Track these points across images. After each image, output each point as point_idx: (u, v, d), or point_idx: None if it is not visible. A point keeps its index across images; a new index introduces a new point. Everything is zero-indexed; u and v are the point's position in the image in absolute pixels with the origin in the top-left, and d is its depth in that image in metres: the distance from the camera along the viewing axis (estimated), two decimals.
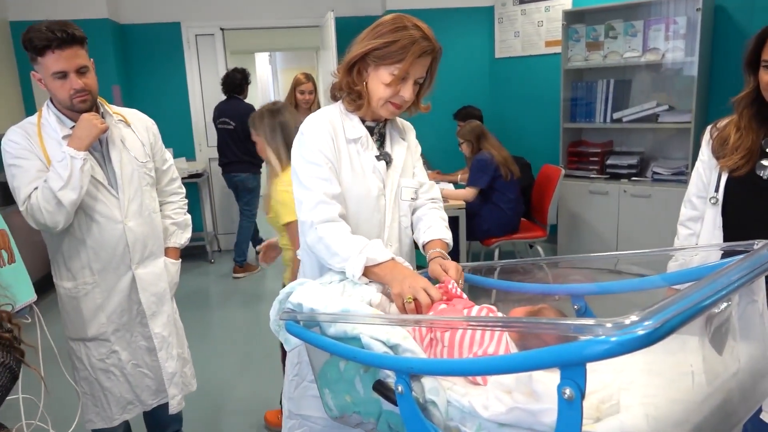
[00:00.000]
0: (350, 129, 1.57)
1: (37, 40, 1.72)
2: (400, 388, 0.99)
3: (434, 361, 1.10)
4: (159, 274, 2.08)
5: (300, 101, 4.26)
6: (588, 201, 4.60)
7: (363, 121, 1.59)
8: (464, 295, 1.34)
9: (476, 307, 1.25)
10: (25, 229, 1.88)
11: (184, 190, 2.30)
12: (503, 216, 4.02)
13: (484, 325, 1.07)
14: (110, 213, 1.93)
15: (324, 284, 1.41)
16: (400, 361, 1.04)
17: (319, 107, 4.17)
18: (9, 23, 5.06)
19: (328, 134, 1.52)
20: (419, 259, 1.67)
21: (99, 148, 1.93)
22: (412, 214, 1.67)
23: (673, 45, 4.15)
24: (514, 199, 4.02)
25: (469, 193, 3.97)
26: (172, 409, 2.13)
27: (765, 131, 1.61)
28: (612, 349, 0.66)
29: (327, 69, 5.59)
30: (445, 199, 3.74)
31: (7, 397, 1.06)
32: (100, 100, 1.95)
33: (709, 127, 1.75)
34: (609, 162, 4.57)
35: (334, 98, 1.62)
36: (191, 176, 5.26)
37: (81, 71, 1.80)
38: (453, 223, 1.69)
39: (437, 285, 1.36)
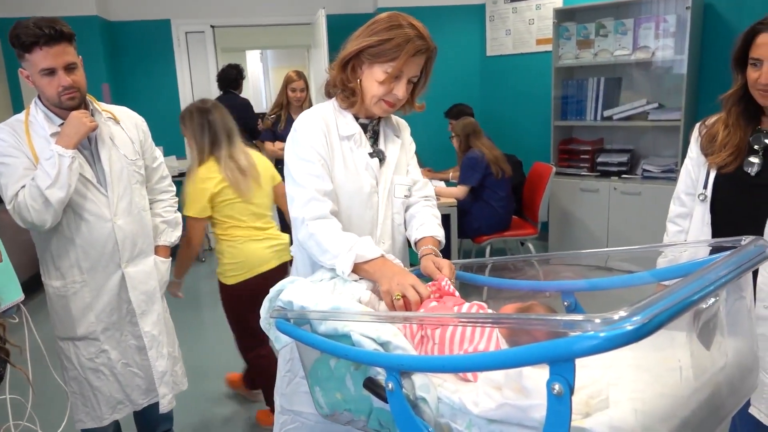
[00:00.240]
0: (344, 126, 1.56)
1: (25, 36, 1.71)
2: (390, 386, 0.99)
3: (424, 358, 1.11)
4: (149, 272, 2.07)
5: (291, 99, 4.25)
6: (579, 198, 4.62)
7: (357, 118, 1.59)
8: (456, 293, 1.34)
9: (467, 304, 1.25)
10: (12, 227, 1.86)
11: (174, 188, 2.29)
12: (494, 214, 4.02)
13: (475, 321, 1.08)
14: (99, 211, 1.91)
15: (314, 282, 1.41)
16: (391, 358, 1.04)
17: (310, 105, 4.17)
18: None
19: (321, 131, 1.52)
20: (412, 256, 1.67)
21: (88, 145, 1.91)
22: (405, 211, 1.67)
23: (663, 43, 4.17)
24: (504, 197, 4.03)
25: (460, 191, 3.97)
26: (163, 409, 2.12)
27: (753, 128, 1.62)
28: (601, 345, 0.67)
29: (318, 67, 5.58)
30: (436, 196, 3.74)
31: None
32: (89, 97, 1.93)
33: (698, 125, 1.76)
34: (599, 160, 4.59)
35: (328, 95, 1.62)
36: (182, 174, 5.22)
37: (69, 68, 1.78)
38: (444, 220, 1.69)
39: (429, 283, 1.36)
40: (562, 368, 0.71)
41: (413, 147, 1.72)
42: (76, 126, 1.79)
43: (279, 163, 4.29)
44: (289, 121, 4.25)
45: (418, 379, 1.00)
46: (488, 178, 3.95)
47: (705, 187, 1.68)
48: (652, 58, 4.25)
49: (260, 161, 2.61)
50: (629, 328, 0.66)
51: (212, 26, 5.63)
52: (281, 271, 2.56)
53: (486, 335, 1.09)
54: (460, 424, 0.94)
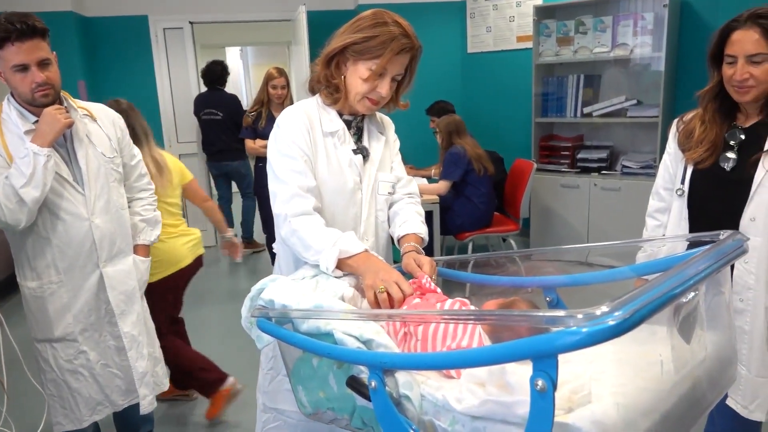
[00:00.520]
0: (327, 122, 1.56)
1: None
2: (373, 384, 0.99)
3: (407, 355, 1.10)
4: (128, 272, 2.04)
5: (272, 96, 4.21)
6: (559, 194, 4.66)
7: (341, 114, 1.58)
8: (438, 290, 1.34)
9: (449, 301, 1.25)
10: None
11: (153, 186, 2.25)
12: (476, 210, 4.04)
13: (457, 318, 1.08)
14: (76, 210, 1.88)
15: (296, 280, 1.40)
16: (373, 356, 1.03)
17: (291, 102, 4.14)
18: None
19: (304, 127, 1.51)
20: (395, 253, 1.67)
21: (64, 143, 1.88)
22: (389, 208, 1.67)
23: (641, 40, 4.22)
24: (486, 193, 4.05)
25: (442, 186, 3.98)
26: (144, 409, 2.09)
27: (728, 124, 1.65)
28: (583, 340, 0.67)
29: (299, 64, 5.55)
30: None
31: None
32: (63, 94, 1.90)
33: (675, 121, 1.79)
34: (579, 156, 4.63)
35: (312, 91, 1.62)
36: None
37: (43, 64, 1.75)
38: (427, 217, 1.70)
39: (410, 281, 1.36)
40: (545, 364, 0.71)
41: (397, 144, 1.72)
42: (51, 123, 1.76)
43: (260, 161, 4.27)
44: (270, 119, 4.21)
45: (402, 376, 0.99)
46: (470, 175, 3.96)
47: (682, 182, 1.70)
48: (631, 55, 4.29)
49: (170, 159, 2.70)
50: (611, 323, 0.67)
51: (191, 22, 5.56)
52: (197, 265, 2.73)
53: (469, 332, 1.09)
54: (443, 421, 0.94)
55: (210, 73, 5.25)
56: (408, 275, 1.42)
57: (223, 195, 5.52)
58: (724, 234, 1.02)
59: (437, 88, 5.16)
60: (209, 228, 5.90)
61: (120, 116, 2.10)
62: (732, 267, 1.58)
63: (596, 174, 4.49)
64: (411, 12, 5.56)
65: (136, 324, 2.05)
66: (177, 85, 5.62)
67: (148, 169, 2.32)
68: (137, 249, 2.13)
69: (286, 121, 1.52)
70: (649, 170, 4.23)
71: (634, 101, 4.37)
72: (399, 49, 1.41)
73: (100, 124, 1.99)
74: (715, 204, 1.66)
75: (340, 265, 1.39)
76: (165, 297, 2.60)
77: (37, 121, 1.79)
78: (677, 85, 4.32)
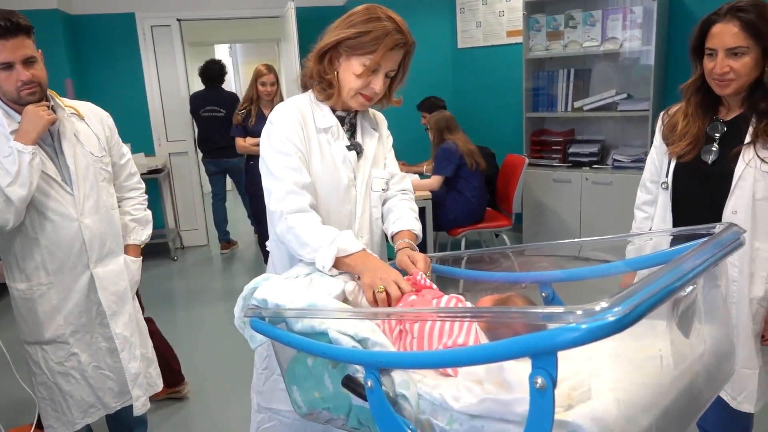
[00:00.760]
0: (320, 118, 1.54)
1: None
2: (369, 383, 0.97)
3: (403, 354, 1.09)
4: (119, 272, 2.02)
5: (262, 93, 4.19)
6: (551, 189, 4.66)
7: (333, 110, 1.56)
8: (434, 286, 1.33)
9: (445, 297, 1.24)
10: None
11: (143, 185, 2.23)
12: (468, 204, 4.04)
13: (453, 316, 1.06)
14: (65, 210, 1.86)
15: (290, 278, 1.38)
16: (369, 355, 1.02)
17: (281, 100, 4.11)
18: None
19: (298, 123, 1.50)
20: (390, 251, 1.65)
21: (51, 142, 1.85)
22: (383, 205, 1.66)
23: (631, 34, 4.22)
24: (478, 186, 4.05)
25: (435, 181, 3.97)
26: (137, 411, 2.07)
27: (711, 118, 1.65)
28: (583, 337, 0.66)
29: (289, 61, 5.52)
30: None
31: None
32: (50, 92, 1.87)
33: (661, 114, 1.80)
34: (571, 150, 4.63)
35: (304, 87, 1.60)
36: (151, 172, 5.14)
37: (28, 62, 1.72)
38: (420, 213, 1.68)
39: (405, 277, 1.35)
40: (545, 361, 0.70)
41: (391, 140, 1.71)
42: (33, 120, 1.73)
43: (251, 159, 4.24)
44: (260, 116, 4.18)
45: (398, 375, 0.98)
46: (462, 169, 3.97)
47: (667, 175, 1.71)
48: (620, 49, 4.29)
49: None
50: (611, 319, 0.66)
51: (179, 20, 5.50)
52: None
53: (465, 328, 1.08)
54: (441, 420, 0.93)
55: (208, 71, 5.33)
56: (402, 272, 1.41)
57: (218, 192, 5.52)
58: (720, 227, 1.02)
59: (428, 83, 5.14)
60: (200, 227, 5.88)
61: (109, 115, 2.07)
62: None
63: (588, 168, 4.50)
64: (401, 7, 5.48)
65: (128, 325, 2.03)
66: (166, 84, 5.57)
67: None
68: (128, 249, 2.10)
69: (279, 118, 1.51)
70: (640, 164, 4.23)
71: (625, 95, 4.37)
72: (393, 44, 1.40)
73: (88, 123, 1.96)
74: (697, 197, 1.67)
75: (337, 263, 1.38)
76: None
77: None
78: (667, 79, 4.33)
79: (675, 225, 1.70)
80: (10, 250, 1.86)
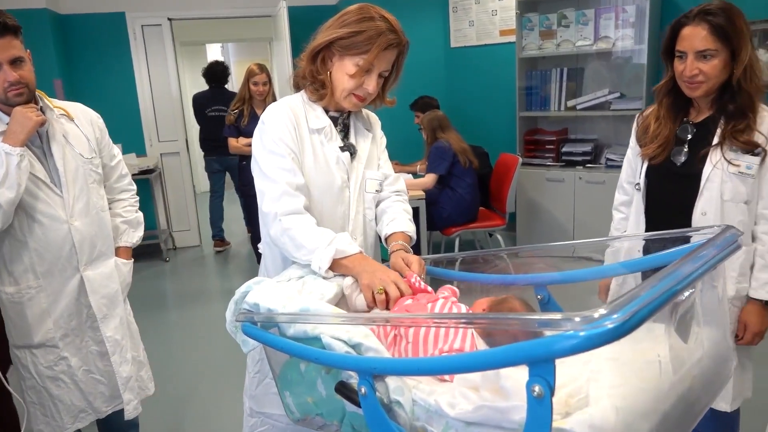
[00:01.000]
0: (313, 119, 1.52)
1: None
2: (363, 390, 0.96)
3: (398, 360, 1.07)
4: (109, 275, 1.99)
5: (254, 93, 4.16)
6: (545, 188, 4.66)
7: (326, 111, 1.55)
8: (429, 288, 1.32)
9: (440, 301, 1.23)
10: None
11: (134, 186, 2.20)
12: (461, 201, 4.03)
13: (449, 321, 1.05)
14: (54, 212, 1.83)
15: (282, 282, 1.37)
16: (363, 361, 1.00)
17: (274, 99, 4.09)
18: None
19: (291, 123, 1.48)
20: (383, 252, 1.64)
21: (39, 143, 1.82)
22: (377, 206, 1.64)
23: (623, 33, 4.22)
24: (471, 183, 4.05)
25: (429, 179, 3.97)
26: (128, 415, 2.04)
27: (681, 120, 1.66)
28: (581, 344, 0.65)
29: (281, 60, 5.49)
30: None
31: None
32: (39, 93, 1.84)
33: (637, 115, 1.80)
34: (564, 150, 4.64)
35: (297, 87, 1.58)
36: (142, 172, 5.10)
37: (15, 63, 1.69)
38: (413, 214, 1.67)
39: None
40: (542, 369, 0.69)
41: (384, 141, 1.69)
42: (21, 122, 1.70)
43: (243, 159, 4.22)
44: (252, 116, 4.16)
45: (392, 381, 0.97)
46: (456, 167, 3.97)
47: (640, 176, 1.72)
48: (613, 48, 4.30)
49: None
50: (610, 326, 0.65)
51: (169, 19, 5.46)
52: None
53: (461, 333, 1.07)
54: (436, 427, 0.92)
55: (212, 72, 5.44)
56: None
57: (217, 190, 5.56)
58: (718, 228, 1.01)
59: (421, 83, 5.13)
60: (192, 227, 5.85)
61: (98, 115, 2.04)
62: None
63: (581, 167, 4.50)
64: (394, 6, 5.46)
65: (119, 328, 2.00)
66: (157, 84, 5.53)
67: None
68: (119, 251, 2.07)
69: (271, 118, 1.49)
70: None
71: (617, 94, 4.38)
72: (386, 44, 1.39)
73: (77, 124, 1.93)
74: (668, 199, 1.68)
75: (334, 265, 1.36)
76: None
77: None
78: (659, 78, 4.29)
79: (647, 226, 1.71)
80: None
